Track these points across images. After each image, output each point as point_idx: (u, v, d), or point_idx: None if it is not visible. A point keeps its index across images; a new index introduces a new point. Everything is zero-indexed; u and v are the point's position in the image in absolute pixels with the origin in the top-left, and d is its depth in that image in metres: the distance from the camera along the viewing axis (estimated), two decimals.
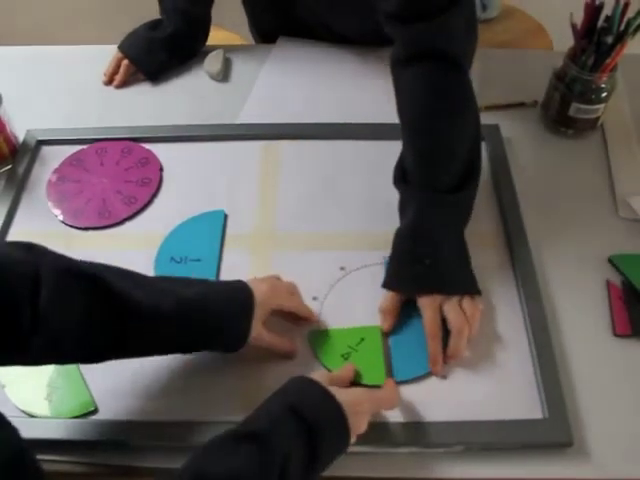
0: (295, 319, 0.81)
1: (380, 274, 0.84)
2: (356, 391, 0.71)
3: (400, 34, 0.80)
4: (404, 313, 0.81)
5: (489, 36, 1.54)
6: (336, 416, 0.65)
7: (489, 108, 1.07)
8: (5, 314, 0.60)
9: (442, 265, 0.80)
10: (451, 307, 0.78)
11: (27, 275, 0.62)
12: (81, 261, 0.68)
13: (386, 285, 0.81)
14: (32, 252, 0.65)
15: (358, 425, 0.67)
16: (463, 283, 0.81)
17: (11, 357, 0.64)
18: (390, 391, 0.74)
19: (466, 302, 0.80)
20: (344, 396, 0.67)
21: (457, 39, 0.79)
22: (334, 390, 0.67)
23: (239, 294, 0.75)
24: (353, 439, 0.67)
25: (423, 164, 0.82)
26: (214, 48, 1.20)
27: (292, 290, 0.83)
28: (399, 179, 0.85)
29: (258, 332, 0.75)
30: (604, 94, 0.97)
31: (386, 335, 0.80)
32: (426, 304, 0.79)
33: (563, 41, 1.08)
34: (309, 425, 0.63)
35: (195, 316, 0.71)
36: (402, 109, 0.84)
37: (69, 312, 0.64)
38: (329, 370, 0.78)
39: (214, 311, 0.72)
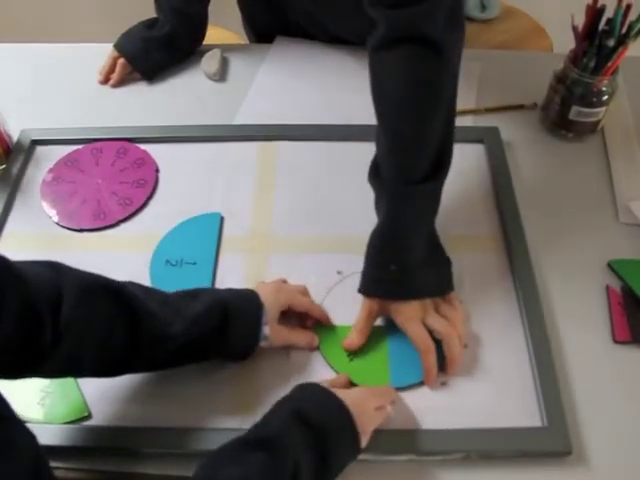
0: (307, 322, 0.81)
1: None
2: (357, 390, 0.72)
3: (384, 18, 0.78)
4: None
5: (489, 36, 1.53)
6: (344, 419, 0.65)
7: (489, 110, 1.07)
8: (28, 331, 0.59)
9: (408, 269, 0.78)
10: (431, 318, 0.77)
11: (49, 292, 0.62)
12: (102, 277, 0.69)
13: (360, 290, 0.80)
14: (54, 269, 0.66)
15: (366, 426, 0.67)
16: (430, 285, 0.79)
17: (28, 371, 0.64)
18: (386, 385, 0.75)
19: (443, 307, 0.78)
20: (348, 397, 0.67)
21: (440, 26, 0.75)
22: (339, 392, 0.67)
23: (248, 300, 0.76)
24: (364, 442, 0.67)
25: (396, 153, 0.79)
26: (211, 47, 1.19)
27: (302, 291, 0.83)
28: (372, 175, 0.83)
29: (276, 331, 0.76)
30: (605, 97, 0.96)
31: (347, 351, 0.79)
32: (404, 321, 0.77)
33: (563, 43, 1.08)
34: (317, 430, 0.63)
35: (206, 331, 0.72)
36: (378, 95, 0.80)
37: (88, 325, 0.64)
38: (334, 369, 0.78)
39: (226, 323, 0.73)
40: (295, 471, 0.60)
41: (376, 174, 0.81)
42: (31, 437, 0.52)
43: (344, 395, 0.67)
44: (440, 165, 0.79)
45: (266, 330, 0.75)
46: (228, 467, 0.60)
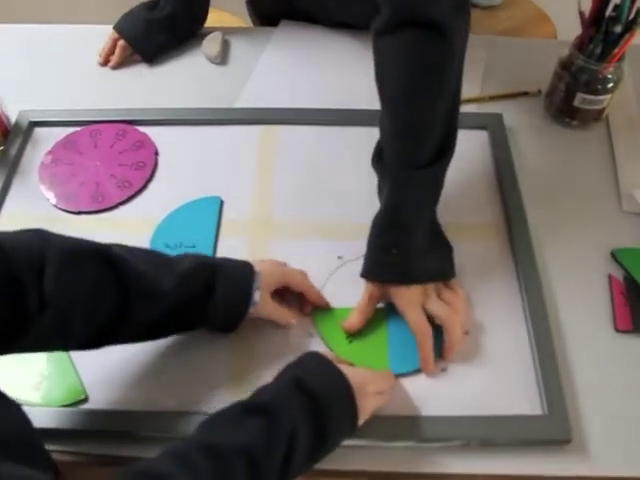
0: (303, 305, 0.81)
1: None
2: (360, 370, 0.71)
3: (388, 2, 0.77)
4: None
5: (492, 23, 1.52)
6: (344, 393, 0.65)
7: (493, 98, 1.06)
8: (10, 298, 0.59)
9: (410, 253, 0.77)
10: (433, 304, 0.76)
11: (32, 258, 0.61)
12: (88, 241, 0.68)
13: (362, 274, 0.80)
14: (39, 235, 0.65)
15: (365, 406, 0.67)
16: (431, 270, 0.78)
17: (17, 340, 0.62)
18: (387, 370, 0.75)
19: (445, 293, 0.78)
20: (350, 374, 0.67)
21: (445, 9, 0.74)
22: (343, 367, 0.67)
23: (240, 265, 0.76)
24: (361, 420, 0.67)
25: (399, 137, 0.78)
26: (213, 30, 1.18)
27: (302, 273, 0.82)
28: (376, 159, 0.82)
29: (265, 301, 0.75)
30: (610, 85, 0.95)
31: (347, 332, 0.79)
32: (404, 305, 0.77)
33: (567, 30, 1.07)
34: (317, 400, 0.63)
35: (195, 290, 0.71)
36: (383, 79, 0.79)
37: (75, 289, 0.63)
38: (333, 351, 0.77)
39: (215, 280, 0.72)
40: (292, 437, 0.60)
41: (379, 159, 0.80)
42: (15, 408, 0.53)
43: (347, 371, 0.67)
44: (443, 150, 0.78)
45: (256, 296, 0.74)
46: (226, 430, 0.60)
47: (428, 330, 0.75)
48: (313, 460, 0.64)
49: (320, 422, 0.63)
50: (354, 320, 0.78)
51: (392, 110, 0.78)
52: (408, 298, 0.76)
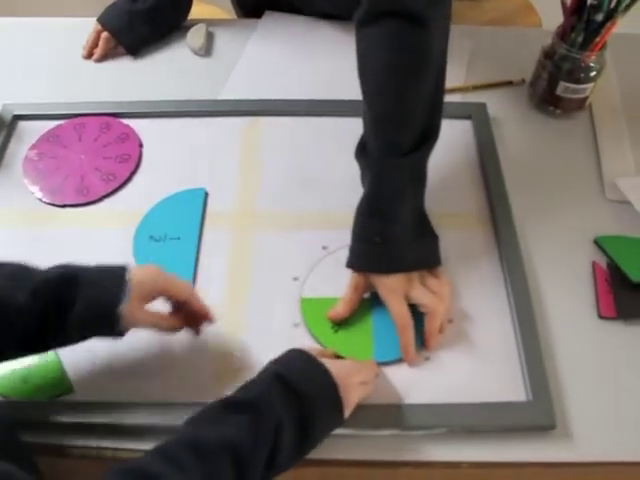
0: (192, 321, 0.75)
1: None
2: (343, 362, 0.71)
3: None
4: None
5: (478, 13, 1.51)
6: (327, 386, 0.66)
7: (477, 87, 1.06)
8: None
9: (393, 241, 0.77)
10: (417, 292, 0.76)
11: None
12: None
13: (347, 264, 0.79)
14: None
15: (350, 398, 0.67)
16: (415, 258, 0.78)
17: None
18: (370, 360, 0.75)
19: (430, 281, 0.78)
20: (333, 367, 0.67)
21: (424, 1, 0.74)
22: (325, 362, 0.67)
23: (110, 275, 0.69)
24: (347, 413, 0.67)
25: (381, 125, 0.78)
26: (197, 22, 1.17)
27: (185, 282, 0.74)
28: (359, 152, 0.82)
29: (131, 311, 0.67)
30: (593, 73, 0.95)
31: (332, 322, 0.79)
32: (387, 294, 0.76)
33: (551, 20, 1.07)
34: (300, 395, 0.63)
35: (52, 301, 0.65)
36: (364, 68, 0.79)
37: None
38: (318, 341, 0.78)
39: (75, 293, 0.66)
40: (277, 434, 0.60)
41: (363, 151, 0.80)
42: None
43: (330, 364, 0.67)
44: (426, 137, 0.78)
45: (122, 309, 0.66)
46: (212, 428, 0.60)
47: (409, 320, 0.75)
48: (298, 455, 0.64)
49: (305, 419, 0.63)
50: (340, 310, 0.78)
51: (374, 99, 0.78)
52: (390, 287, 0.76)
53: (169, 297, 0.73)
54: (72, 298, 0.65)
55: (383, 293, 0.77)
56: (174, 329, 0.74)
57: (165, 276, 0.72)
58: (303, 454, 0.65)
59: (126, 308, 0.66)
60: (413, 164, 0.78)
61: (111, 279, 0.68)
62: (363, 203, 0.79)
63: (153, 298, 0.71)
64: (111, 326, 0.67)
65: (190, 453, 0.56)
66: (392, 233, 0.77)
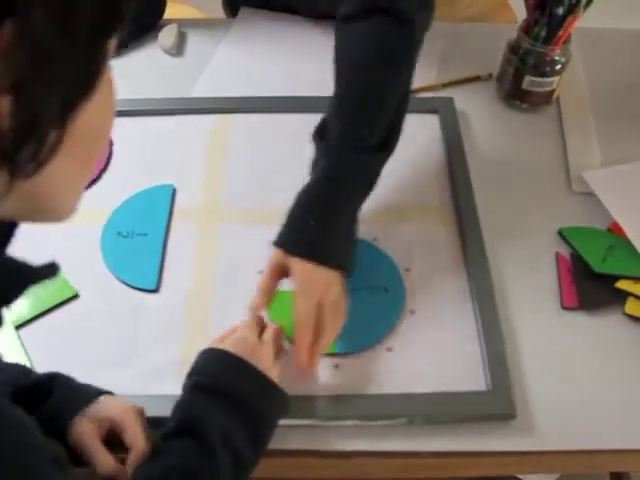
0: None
1: None
2: (239, 336, 0.70)
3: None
4: (350, 285, 0.80)
5: (455, 11, 1.51)
6: (244, 369, 0.66)
7: (446, 85, 1.06)
8: None
9: (328, 233, 0.74)
10: (330, 304, 0.73)
11: None
12: None
13: (277, 243, 0.76)
14: None
15: (265, 366, 0.67)
16: (345, 259, 0.76)
17: None
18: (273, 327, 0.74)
19: (338, 305, 0.74)
20: (235, 346, 0.67)
21: (414, 2, 0.76)
22: (226, 346, 0.68)
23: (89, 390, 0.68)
24: (274, 377, 0.67)
25: (351, 112, 0.77)
26: (169, 22, 1.18)
27: (139, 412, 0.68)
28: (317, 134, 0.80)
29: (79, 433, 0.64)
30: (558, 67, 0.96)
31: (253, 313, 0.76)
32: (304, 286, 0.73)
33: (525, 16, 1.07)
34: (227, 393, 0.63)
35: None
36: (342, 58, 0.79)
37: None
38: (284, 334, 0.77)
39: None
40: (226, 441, 0.60)
41: (322, 135, 0.79)
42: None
43: (229, 346, 0.67)
44: (386, 144, 0.78)
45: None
46: (161, 461, 0.60)
47: (312, 323, 0.72)
48: (262, 444, 0.65)
49: (243, 411, 0.63)
50: (257, 300, 0.75)
51: (347, 85, 0.79)
52: (311, 279, 0.73)
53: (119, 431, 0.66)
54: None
55: (300, 283, 0.74)
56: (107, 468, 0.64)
57: (131, 419, 0.66)
58: (264, 441, 0.65)
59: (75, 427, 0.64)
60: (373, 165, 0.78)
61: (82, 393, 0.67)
62: (309, 188, 0.77)
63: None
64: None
65: None
66: (331, 225, 0.75)
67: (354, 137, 0.77)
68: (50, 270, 0.46)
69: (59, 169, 0.40)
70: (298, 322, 0.73)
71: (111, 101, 0.45)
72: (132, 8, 0.40)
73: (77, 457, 0.63)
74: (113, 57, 0.42)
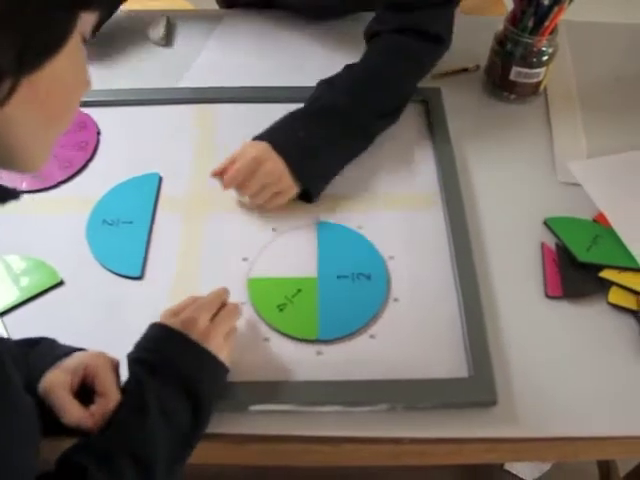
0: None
1: (312, 235, 0.84)
2: (188, 312, 0.70)
3: (397, 16, 0.95)
4: (334, 272, 0.81)
5: None
6: (183, 344, 0.66)
7: (435, 77, 1.06)
8: None
9: (311, 150, 0.86)
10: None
11: None
12: None
13: (265, 138, 0.87)
14: None
15: (211, 342, 0.67)
16: (311, 175, 0.87)
17: None
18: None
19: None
20: (179, 322, 0.68)
21: (447, 27, 0.97)
22: (173, 322, 0.68)
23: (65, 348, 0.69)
24: (222, 356, 0.68)
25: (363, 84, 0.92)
26: (158, 13, 1.18)
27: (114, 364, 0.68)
28: (325, 81, 0.94)
29: (49, 383, 0.63)
30: (545, 58, 0.96)
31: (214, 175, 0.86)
32: (251, 150, 0.85)
33: None
34: (165, 366, 0.64)
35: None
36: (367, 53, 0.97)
37: None
38: (264, 320, 0.78)
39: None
40: (165, 415, 0.61)
41: (328, 80, 0.94)
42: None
43: (173, 322, 0.68)
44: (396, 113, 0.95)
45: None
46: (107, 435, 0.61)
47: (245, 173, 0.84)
48: (203, 416, 0.65)
49: (182, 383, 0.64)
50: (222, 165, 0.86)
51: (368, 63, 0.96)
52: (261, 154, 0.84)
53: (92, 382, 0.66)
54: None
55: (249, 150, 0.85)
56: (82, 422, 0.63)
57: (106, 367, 0.66)
58: (204, 414, 0.65)
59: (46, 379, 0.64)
60: (373, 129, 0.93)
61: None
62: (313, 108, 0.91)
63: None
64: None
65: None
66: (318, 143, 0.87)
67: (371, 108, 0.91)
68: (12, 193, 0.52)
69: (26, 119, 0.46)
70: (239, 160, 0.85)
71: (79, 69, 0.49)
72: None
73: (46, 408, 0.62)
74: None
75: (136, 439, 0.60)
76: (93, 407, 0.63)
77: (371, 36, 0.99)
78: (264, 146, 0.85)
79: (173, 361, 0.65)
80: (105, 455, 0.58)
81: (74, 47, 0.46)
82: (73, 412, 0.62)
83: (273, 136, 0.87)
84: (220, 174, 0.86)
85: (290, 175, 0.84)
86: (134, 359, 0.66)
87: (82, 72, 0.50)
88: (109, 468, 0.57)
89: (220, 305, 0.72)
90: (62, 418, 0.62)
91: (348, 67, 0.95)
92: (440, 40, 0.97)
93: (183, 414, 0.63)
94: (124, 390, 0.64)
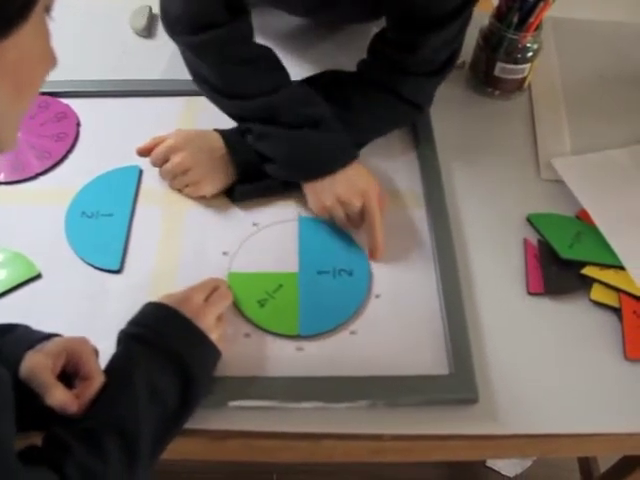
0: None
1: (293, 230, 0.84)
2: (182, 294, 0.71)
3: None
4: (315, 267, 0.81)
5: None
6: (177, 321, 0.67)
7: None
8: None
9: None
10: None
11: None
12: None
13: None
14: None
15: (204, 321, 0.69)
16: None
17: None
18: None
19: None
20: (178, 302, 0.69)
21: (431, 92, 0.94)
22: (167, 301, 0.69)
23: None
24: (213, 337, 0.69)
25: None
26: (141, 3, 1.16)
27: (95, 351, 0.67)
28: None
29: (31, 365, 0.61)
30: (529, 54, 0.96)
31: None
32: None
33: None
34: (159, 343, 0.65)
35: None
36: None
37: None
38: (244, 316, 0.77)
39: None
40: (152, 387, 0.62)
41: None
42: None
43: (167, 300, 0.69)
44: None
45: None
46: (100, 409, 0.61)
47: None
48: (193, 396, 0.65)
49: (172, 358, 0.64)
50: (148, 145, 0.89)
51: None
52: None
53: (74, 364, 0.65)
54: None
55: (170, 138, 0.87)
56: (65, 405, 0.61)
57: (89, 351, 0.65)
58: (193, 392, 0.65)
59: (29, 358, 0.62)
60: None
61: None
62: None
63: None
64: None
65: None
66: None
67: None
68: None
69: None
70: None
71: (45, 42, 0.49)
72: None
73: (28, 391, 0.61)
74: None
75: (121, 416, 0.59)
76: (77, 390, 0.62)
77: (373, 50, 0.93)
78: (186, 135, 0.87)
79: (163, 335, 0.65)
80: (88, 431, 0.58)
81: (39, 19, 0.46)
82: (58, 394, 0.60)
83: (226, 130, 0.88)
84: (145, 152, 0.88)
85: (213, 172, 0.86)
86: (125, 334, 0.66)
87: (48, 46, 0.50)
88: (92, 444, 0.57)
89: (213, 289, 0.74)
90: (46, 400, 0.60)
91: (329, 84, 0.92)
92: (419, 108, 0.93)
93: (172, 390, 0.63)
94: (110, 368, 0.64)
